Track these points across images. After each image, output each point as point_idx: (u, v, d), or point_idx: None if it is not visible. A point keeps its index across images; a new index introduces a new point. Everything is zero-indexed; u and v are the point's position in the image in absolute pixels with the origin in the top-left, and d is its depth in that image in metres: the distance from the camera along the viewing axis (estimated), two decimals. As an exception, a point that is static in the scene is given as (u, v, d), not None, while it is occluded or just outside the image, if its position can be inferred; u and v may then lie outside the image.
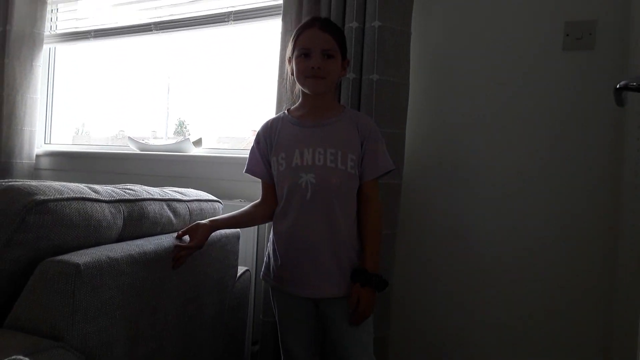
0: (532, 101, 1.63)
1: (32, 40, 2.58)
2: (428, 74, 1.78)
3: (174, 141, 2.48)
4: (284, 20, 1.83)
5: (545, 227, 1.61)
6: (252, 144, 1.46)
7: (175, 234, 1.32)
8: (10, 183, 0.96)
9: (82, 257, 0.95)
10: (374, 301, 1.31)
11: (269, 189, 1.42)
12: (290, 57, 1.40)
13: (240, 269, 1.67)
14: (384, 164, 1.37)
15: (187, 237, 1.32)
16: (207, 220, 1.37)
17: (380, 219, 1.38)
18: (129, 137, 2.50)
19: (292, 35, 1.39)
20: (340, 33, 1.38)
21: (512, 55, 1.66)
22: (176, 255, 1.24)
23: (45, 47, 2.68)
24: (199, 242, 1.30)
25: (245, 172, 1.46)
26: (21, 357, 0.42)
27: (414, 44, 1.72)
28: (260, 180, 1.45)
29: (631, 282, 1.36)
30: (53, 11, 2.73)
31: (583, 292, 1.56)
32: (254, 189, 1.45)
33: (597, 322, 1.54)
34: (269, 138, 1.41)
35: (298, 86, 1.41)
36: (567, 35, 1.59)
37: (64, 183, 1.06)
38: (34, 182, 0.99)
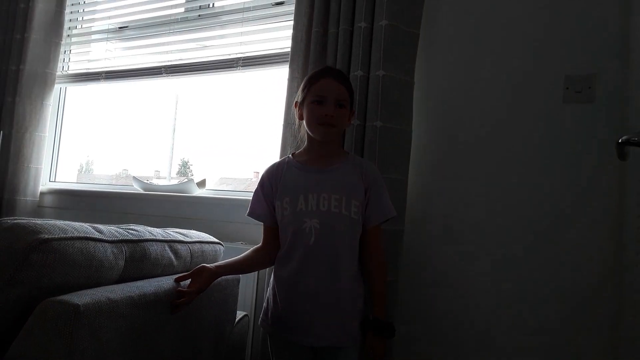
0: (534, 152, 1.65)
1: (44, 80, 2.64)
2: (430, 121, 1.81)
3: (177, 181, 2.50)
4: (290, 67, 1.88)
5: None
6: (256, 187, 1.47)
7: (175, 276, 1.30)
8: (16, 221, 0.97)
9: (82, 297, 0.95)
10: (385, 349, 1.29)
11: (272, 233, 1.42)
12: (297, 102, 1.43)
13: (239, 314, 1.65)
14: (387, 210, 1.39)
15: (186, 282, 1.29)
16: (213, 265, 1.35)
17: (385, 266, 1.38)
18: (133, 176, 2.52)
19: (305, 82, 1.42)
20: (350, 86, 1.43)
21: (513, 106, 1.69)
22: (176, 302, 1.21)
23: (57, 86, 2.74)
24: (202, 287, 1.28)
25: (248, 215, 1.46)
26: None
27: (417, 93, 1.76)
28: (261, 223, 1.45)
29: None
30: (66, 52, 2.80)
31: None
32: (256, 231, 1.45)
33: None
34: (273, 182, 1.42)
35: (303, 131, 1.44)
36: (567, 88, 1.62)
37: (68, 222, 1.06)
38: (39, 221, 0.99)
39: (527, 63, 1.69)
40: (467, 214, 1.72)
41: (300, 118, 1.43)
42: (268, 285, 1.47)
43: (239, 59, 2.24)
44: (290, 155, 1.47)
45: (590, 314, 1.53)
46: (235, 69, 2.25)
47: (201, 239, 1.53)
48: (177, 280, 1.27)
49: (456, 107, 1.78)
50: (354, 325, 1.32)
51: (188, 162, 2.86)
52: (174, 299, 1.21)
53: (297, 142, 1.68)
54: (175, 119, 2.76)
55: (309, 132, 1.41)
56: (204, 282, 1.29)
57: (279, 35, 2.17)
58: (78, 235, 1.02)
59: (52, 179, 2.86)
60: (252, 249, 1.45)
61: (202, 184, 2.38)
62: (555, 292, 1.58)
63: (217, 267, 1.35)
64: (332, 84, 1.37)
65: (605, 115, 1.57)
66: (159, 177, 2.82)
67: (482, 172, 1.72)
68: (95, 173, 3.07)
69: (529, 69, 1.68)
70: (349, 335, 1.31)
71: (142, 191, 2.46)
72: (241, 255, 1.43)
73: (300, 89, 1.43)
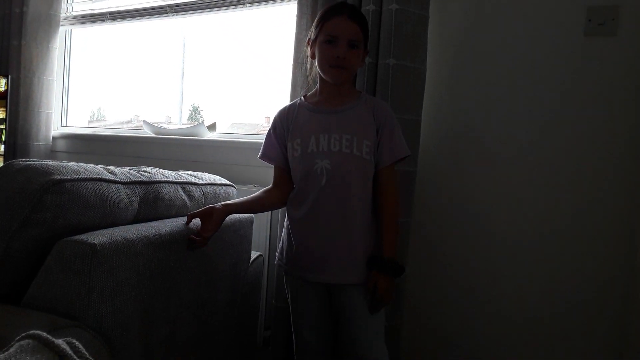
0: (553, 87, 1.60)
1: (48, 22, 2.58)
2: (446, 59, 1.75)
3: (188, 126, 2.48)
4: (299, 3, 1.81)
5: (562, 217, 1.59)
6: (268, 129, 1.45)
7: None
8: (28, 162, 0.96)
9: (98, 237, 0.96)
10: (392, 288, 1.30)
11: (283, 174, 1.41)
12: (310, 40, 1.38)
13: (253, 254, 1.67)
14: (400, 150, 1.36)
15: (197, 221, 1.29)
16: (220, 204, 1.34)
17: (397, 205, 1.37)
18: (144, 120, 2.51)
19: (318, 18, 1.36)
20: (366, 24, 1.36)
21: (532, 41, 1.63)
22: (191, 245, 1.22)
23: (62, 29, 2.68)
24: (214, 227, 1.27)
25: (260, 157, 1.45)
26: (39, 332, 0.42)
27: (432, 28, 1.70)
28: (272, 165, 1.44)
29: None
30: (69, -7, 2.73)
31: (600, 286, 1.54)
32: (268, 174, 1.45)
33: (612, 319, 1.52)
34: (285, 123, 1.40)
35: (316, 70, 1.40)
36: (590, 20, 1.55)
37: (81, 164, 1.06)
38: (51, 162, 0.99)
39: (548, -5, 1.61)
40: (484, 151, 1.70)
41: (313, 57, 1.38)
42: (282, 226, 1.48)
43: (246, -5, 2.16)
44: (302, 97, 1.44)
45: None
46: (242, 6, 2.17)
47: (214, 181, 1.54)
48: (190, 217, 1.27)
49: (473, 42, 1.72)
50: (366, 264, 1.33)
51: (198, 107, 2.83)
52: (189, 241, 1.22)
53: (309, 82, 1.64)
54: (183, 63, 2.71)
55: (320, 73, 1.37)
56: (215, 223, 1.28)
57: (287, -31, 2.08)
58: (91, 176, 1.02)
59: (64, 123, 2.86)
60: (262, 189, 1.44)
61: (212, 127, 2.37)
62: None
63: (225, 205, 1.33)
64: (345, 23, 1.30)
65: (630, 48, 1.50)
66: (169, 123, 2.81)
67: (500, 112, 1.68)
68: (107, 120, 3.06)
69: (549, 1, 1.60)
70: (363, 274, 1.32)
71: (153, 135, 2.45)
72: (251, 195, 1.42)
73: (313, 25, 1.38)
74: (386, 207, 1.34)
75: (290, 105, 1.44)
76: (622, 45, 1.51)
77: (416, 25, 1.63)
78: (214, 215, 1.28)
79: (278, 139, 1.41)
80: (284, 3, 2.09)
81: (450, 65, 1.75)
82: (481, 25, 1.70)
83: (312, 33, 1.38)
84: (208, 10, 2.28)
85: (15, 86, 2.53)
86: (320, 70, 1.35)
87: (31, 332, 0.43)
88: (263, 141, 1.45)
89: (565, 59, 1.58)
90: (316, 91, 1.42)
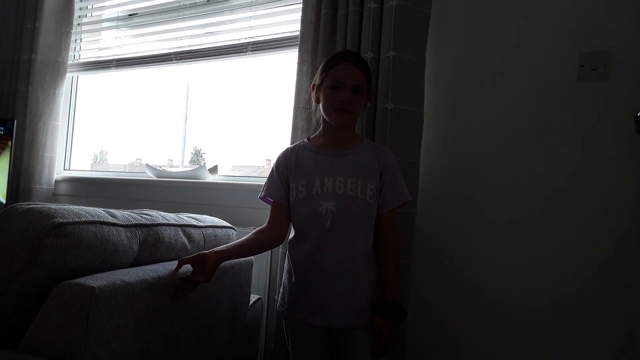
0: (548, 131, 1.63)
1: (56, 69, 2.65)
2: (442, 103, 1.79)
3: (190, 169, 2.51)
4: (300, 50, 1.87)
5: (563, 255, 1.58)
6: (270, 170, 1.47)
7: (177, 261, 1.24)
8: (30, 206, 0.98)
9: (97, 280, 0.96)
10: (394, 332, 1.29)
11: (283, 213, 1.40)
12: (315, 85, 1.42)
13: (253, 297, 1.66)
14: (402, 194, 1.38)
15: (189, 267, 1.21)
16: (213, 251, 1.25)
17: (399, 249, 1.37)
18: (146, 164, 2.54)
19: (323, 65, 1.41)
20: (369, 71, 1.41)
21: (526, 86, 1.67)
22: (179, 292, 1.16)
23: (68, 75, 2.75)
24: (206, 278, 1.20)
25: (264, 195, 1.43)
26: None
27: (429, 74, 1.74)
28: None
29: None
30: (77, 41, 2.81)
31: (605, 312, 1.51)
32: (268, 216, 1.45)
33: (618, 336, 1.49)
34: (289, 163, 1.42)
35: (319, 114, 1.43)
36: (582, 66, 1.59)
37: (82, 207, 1.07)
38: (53, 205, 1.00)
39: (540, 41, 1.66)
40: (480, 196, 1.71)
41: (317, 101, 1.42)
42: (283, 269, 1.47)
43: (248, 43, 2.23)
44: (306, 140, 1.47)
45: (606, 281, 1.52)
46: (244, 54, 2.24)
47: (214, 224, 1.54)
48: (180, 263, 1.20)
49: (468, 87, 1.76)
50: (368, 306, 1.32)
51: (200, 150, 2.87)
52: (176, 289, 1.16)
53: (313, 125, 1.67)
54: (186, 107, 2.77)
55: (325, 117, 1.40)
56: (207, 271, 1.20)
57: (287, 18, 2.16)
58: (92, 219, 1.03)
59: (67, 167, 2.89)
60: (254, 230, 1.40)
61: (214, 170, 2.39)
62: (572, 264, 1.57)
63: (217, 252, 1.25)
64: (350, 70, 1.35)
65: (622, 93, 1.54)
66: (172, 166, 2.83)
67: (495, 154, 1.70)
68: (110, 163, 3.09)
69: (542, 47, 1.65)
70: (364, 317, 1.31)
71: (155, 178, 2.47)
72: (243, 237, 1.38)
73: (319, 71, 1.42)
74: (388, 251, 1.35)
75: (294, 146, 1.47)
76: (614, 90, 1.55)
77: (413, 71, 1.68)
78: (207, 263, 1.20)
79: (281, 177, 1.42)
80: (285, 51, 2.16)
81: (447, 109, 1.78)
82: (476, 71, 1.75)
83: (317, 79, 1.43)
84: (212, 57, 2.35)
85: (20, 130, 2.57)
86: (325, 114, 1.38)
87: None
88: (264, 182, 1.46)
89: (558, 103, 1.62)
90: (319, 134, 1.45)
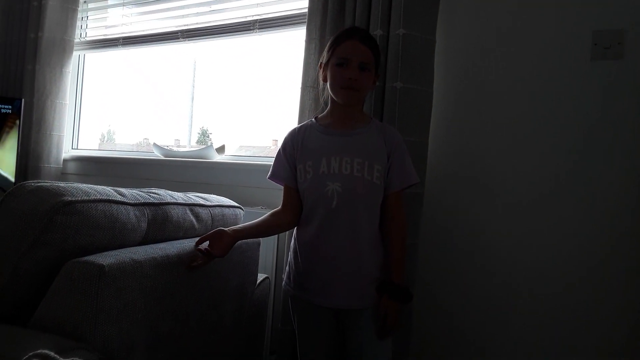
0: (559, 111, 1.60)
1: (62, 47, 2.64)
2: (452, 82, 1.76)
3: (198, 149, 2.51)
4: (308, 28, 1.84)
5: (570, 235, 1.57)
6: (277, 150, 1.46)
7: (196, 239, 1.31)
8: (39, 184, 0.98)
9: (106, 258, 0.96)
10: (400, 313, 1.29)
11: (293, 195, 1.40)
12: (322, 63, 1.41)
13: (260, 277, 1.67)
14: (410, 176, 1.37)
15: (206, 244, 1.26)
16: (230, 229, 1.30)
17: (405, 230, 1.36)
18: (154, 143, 2.54)
19: (330, 42, 1.39)
20: (377, 48, 1.38)
21: (538, 65, 1.64)
22: (192, 264, 1.19)
23: (75, 54, 2.74)
24: (221, 253, 1.24)
25: (270, 177, 1.44)
26: (47, 351, 0.42)
27: (439, 52, 1.71)
28: (281, 187, 1.44)
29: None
30: (83, 19, 2.79)
31: (611, 301, 1.51)
32: (275, 196, 1.45)
33: (624, 327, 1.49)
34: (296, 144, 1.41)
35: (327, 93, 1.42)
36: (595, 44, 1.56)
37: (91, 185, 1.07)
38: (62, 184, 1.00)
39: (553, 19, 1.62)
40: (491, 173, 1.69)
41: (325, 80, 1.40)
42: (289, 249, 1.47)
43: (255, 21, 2.20)
44: (314, 119, 1.45)
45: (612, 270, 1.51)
46: (251, 31, 2.21)
47: (221, 203, 1.54)
48: (200, 240, 1.26)
49: (479, 65, 1.73)
50: (374, 287, 1.32)
51: (207, 130, 2.86)
52: (190, 258, 1.20)
53: (321, 105, 1.66)
54: (193, 86, 2.75)
55: (332, 95, 1.38)
56: (224, 247, 1.25)
57: (295, -6, 2.12)
58: (101, 197, 1.03)
59: (75, 146, 2.90)
60: (270, 212, 1.43)
61: (221, 149, 2.38)
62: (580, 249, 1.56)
63: (234, 231, 1.30)
64: (357, 46, 1.33)
65: (636, 71, 1.51)
66: (179, 146, 2.83)
67: (505, 135, 1.68)
68: (117, 142, 3.09)
69: (555, 25, 1.62)
70: (369, 298, 1.31)
71: (163, 157, 2.47)
72: (259, 218, 1.40)
73: (325, 49, 1.40)
74: (395, 232, 1.34)
75: (301, 126, 1.46)
76: (628, 69, 1.52)
77: (423, 49, 1.65)
78: (223, 239, 1.26)
79: (288, 158, 1.41)
80: (293, 28, 2.13)
81: (456, 88, 1.76)
82: (487, 49, 1.72)
83: (324, 57, 1.40)
84: (219, 35, 2.33)
85: (28, 109, 2.58)
86: (332, 92, 1.37)
87: (38, 351, 0.43)
88: (272, 162, 1.45)
89: (571, 82, 1.59)
90: (327, 113, 1.43)
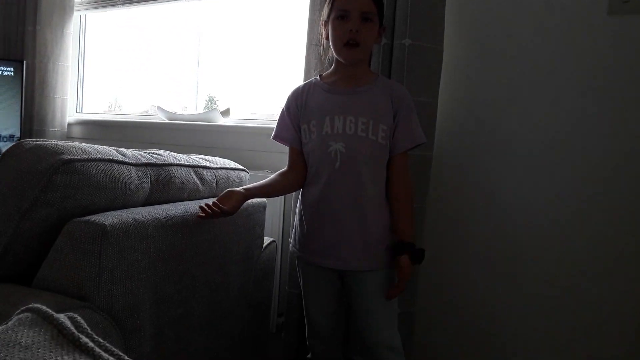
0: (574, 69, 1.54)
1: (63, 7, 2.58)
2: (463, 39, 1.70)
3: (202, 112, 2.47)
4: (314, -17, 1.77)
5: (585, 198, 1.53)
6: (281, 109, 1.42)
7: (201, 201, 1.29)
8: (37, 142, 0.96)
9: (108, 218, 0.95)
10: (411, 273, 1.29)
11: (299, 156, 1.38)
12: (325, 21, 1.35)
13: (266, 240, 1.66)
14: (416, 136, 1.32)
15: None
16: (241, 188, 1.30)
17: (412, 191, 1.34)
18: (158, 106, 2.50)
19: None
20: None
21: (552, 20, 1.57)
22: (206, 210, 1.17)
23: (76, 14, 2.68)
24: (231, 209, 1.23)
25: (273, 137, 1.42)
26: (39, 305, 0.40)
27: (449, 7, 1.64)
28: (286, 149, 1.42)
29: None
30: (83, -23, 2.72)
31: (629, 266, 1.49)
32: (281, 159, 1.43)
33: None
34: (300, 103, 1.37)
35: (331, 53, 1.37)
36: (614, -3, 1.49)
37: (92, 145, 1.05)
38: (61, 142, 0.98)
39: (571, -29, 1.55)
40: (502, 135, 1.65)
41: (327, 38, 1.35)
42: (295, 212, 1.46)
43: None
44: (318, 77, 1.41)
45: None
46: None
47: (226, 166, 1.52)
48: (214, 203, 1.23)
49: (490, 21, 1.66)
50: (380, 249, 1.31)
51: (214, 98, 2.82)
52: (200, 207, 1.17)
53: (324, 64, 1.61)
54: (199, 52, 2.70)
55: (335, 54, 1.33)
56: (234, 204, 1.24)
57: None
58: (101, 157, 1.01)
59: (79, 110, 2.87)
60: (277, 172, 1.41)
61: (226, 112, 2.35)
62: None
63: (245, 189, 1.29)
64: None
65: (658, 27, 1.44)
66: (186, 113, 2.80)
67: (519, 96, 1.62)
68: (124, 110, 3.06)
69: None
70: (375, 260, 1.30)
71: (167, 120, 2.45)
72: (267, 178, 1.39)
73: (326, 4, 1.35)
74: (403, 193, 1.31)
75: (305, 85, 1.42)
76: (648, 24, 1.45)
77: (433, 3, 1.58)
78: (233, 198, 1.25)
79: (292, 119, 1.38)
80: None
81: (468, 45, 1.70)
82: (500, 5, 1.65)
83: (324, 13, 1.35)
84: (221, -7, 2.26)
85: (30, 72, 2.54)
86: (334, 50, 1.32)
87: (30, 305, 0.41)
88: (277, 122, 1.42)
89: (587, 38, 1.52)
90: (332, 71, 1.39)
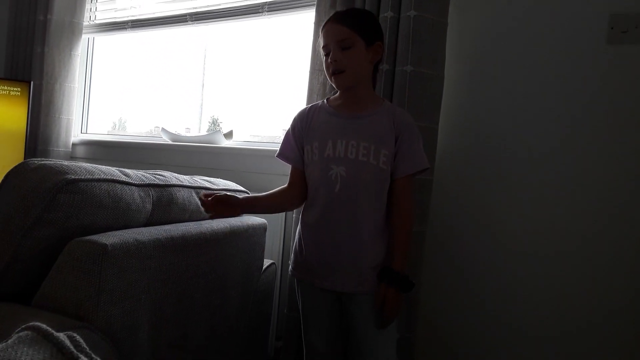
0: (575, 96, 1.56)
1: (71, 30, 2.63)
2: (464, 66, 1.73)
3: (206, 134, 2.49)
4: (317, 10, 1.81)
5: (585, 231, 1.54)
6: (287, 129, 1.44)
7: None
8: (42, 162, 0.97)
9: (109, 238, 0.95)
10: (400, 302, 1.27)
11: (299, 175, 1.39)
12: None
13: (266, 262, 1.66)
14: (419, 161, 1.32)
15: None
16: (242, 197, 1.36)
17: (412, 218, 1.32)
18: (162, 128, 2.53)
19: None
20: (356, 20, 1.31)
21: (553, 49, 1.59)
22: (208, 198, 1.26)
23: (84, 36, 2.73)
24: (228, 210, 1.31)
25: (277, 155, 1.43)
26: (39, 324, 0.41)
27: (451, 35, 1.67)
28: (288, 171, 1.43)
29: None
30: (92, 1, 2.78)
31: (626, 300, 1.48)
32: (283, 182, 1.43)
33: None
34: (305, 124, 1.39)
35: None
36: (612, 28, 1.51)
37: (95, 165, 1.06)
38: (65, 162, 0.99)
39: (568, 2, 1.58)
40: (502, 161, 1.66)
41: None
42: (296, 234, 1.46)
43: (264, 3, 2.17)
44: (325, 100, 1.43)
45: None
46: (260, 14, 2.18)
47: (228, 187, 1.53)
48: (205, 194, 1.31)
49: (492, 49, 1.69)
50: (374, 275, 1.30)
51: (217, 119, 2.85)
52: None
53: (326, 90, 1.63)
54: (203, 74, 2.74)
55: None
56: (230, 210, 1.31)
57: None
58: (105, 177, 1.02)
59: (84, 130, 2.90)
60: (277, 189, 1.43)
61: (229, 135, 2.37)
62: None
63: (243, 198, 1.36)
64: (330, 29, 1.30)
65: (655, 57, 1.46)
66: (189, 135, 2.82)
67: (519, 121, 1.64)
68: (128, 131, 3.09)
69: (570, 8, 1.57)
70: (372, 284, 1.29)
71: (170, 142, 2.47)
72: (266, 192, 1.42)
73: None
74: (399, 220, 1.30)
75: (311, 106, 1.43)
76: (646, 54, 1.47)
77: (434, 32, 1.61)
78: (231, 200, 1.31)
79: (296, 139, 1.39)
80: (302, 11, 2.10)
81: (469, 72, 1.72)
82: (500, 33, 1.68)
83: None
84: (227, 18, 2.30)
85: (37, 92, 2.58)
86: (328, 79, 1.36)
87: (31, 323, 0.42)
88: (281, 141, 1.44)
89: (587, 67, 1.55)
90: (338, 96, 1.41)
